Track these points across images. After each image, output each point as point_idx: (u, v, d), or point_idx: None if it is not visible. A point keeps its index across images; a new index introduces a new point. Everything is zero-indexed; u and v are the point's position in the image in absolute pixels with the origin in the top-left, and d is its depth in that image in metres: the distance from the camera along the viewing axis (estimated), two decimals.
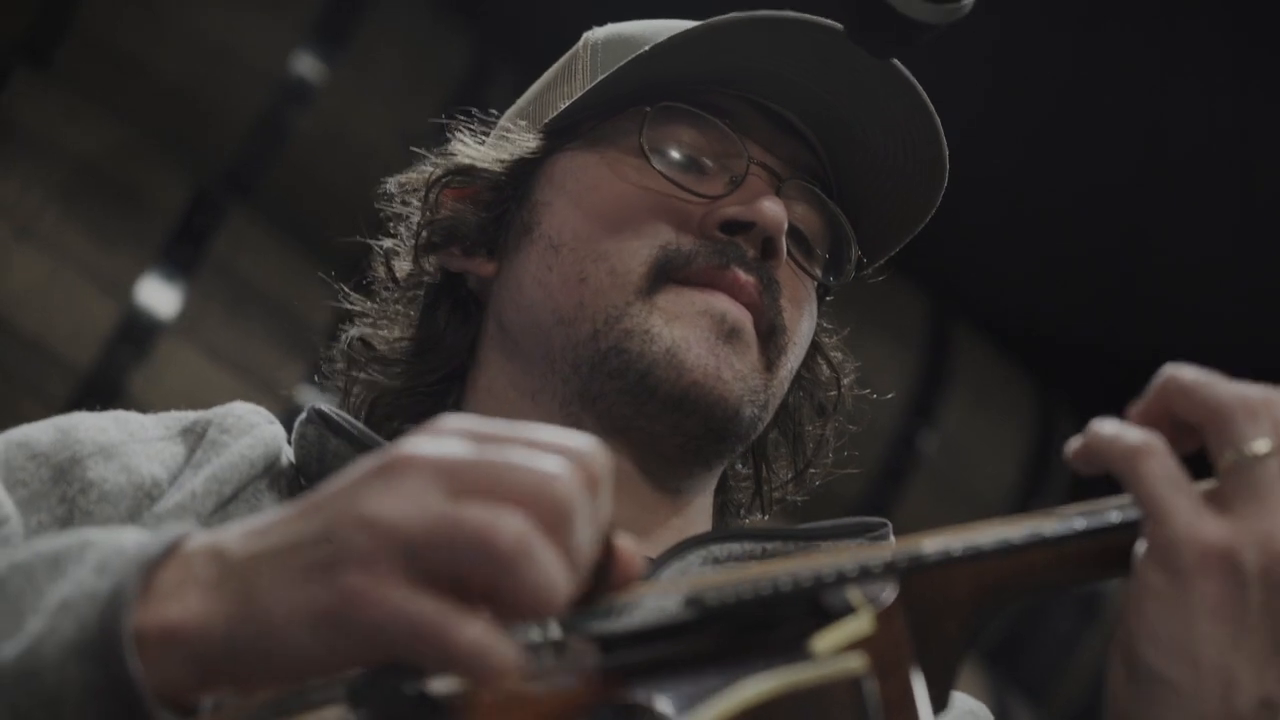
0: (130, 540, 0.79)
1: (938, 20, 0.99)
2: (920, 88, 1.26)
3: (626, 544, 0.80)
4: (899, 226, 1.37)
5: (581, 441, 0.76)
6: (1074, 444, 0.90)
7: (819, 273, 1.33)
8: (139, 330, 3.47)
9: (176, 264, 3.54)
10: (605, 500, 0.76)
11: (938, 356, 4.24)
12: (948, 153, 1.30)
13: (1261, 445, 0.84)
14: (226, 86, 3.67)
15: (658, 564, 1.17)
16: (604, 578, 0.78)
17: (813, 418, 1.42)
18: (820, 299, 1.37)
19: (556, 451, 0.75)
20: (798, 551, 1.23)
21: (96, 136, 3.57)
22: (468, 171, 1.35)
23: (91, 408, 1.25)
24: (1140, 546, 0.85)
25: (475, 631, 0.70)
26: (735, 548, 1.21)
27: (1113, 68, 3.84)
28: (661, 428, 1.23)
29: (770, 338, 1.26)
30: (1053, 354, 4.50)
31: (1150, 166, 4.07)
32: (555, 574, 0.71)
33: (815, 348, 1.39)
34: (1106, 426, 0.88)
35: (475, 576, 0.71)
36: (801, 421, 1.41)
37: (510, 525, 0.71)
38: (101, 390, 3.34)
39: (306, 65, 3.68)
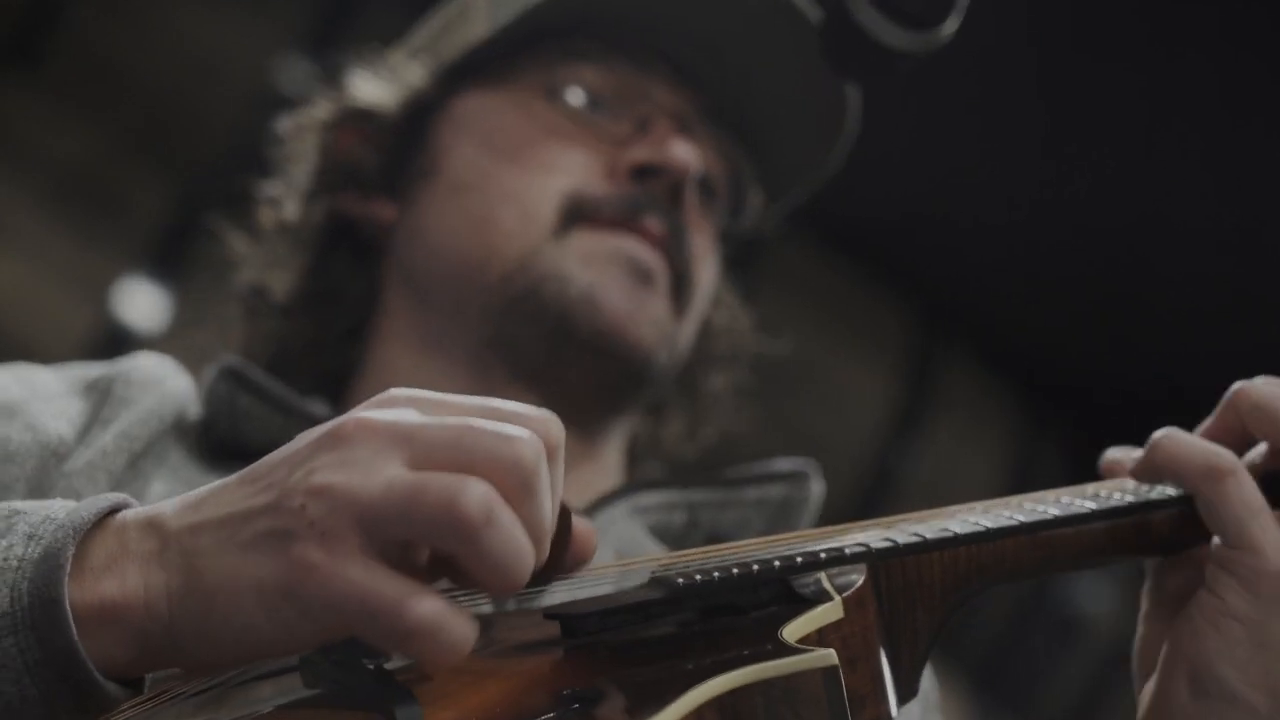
0: (60, 508, 0.74)
1: (916, 49, 0.97)
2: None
3: (582, 520, 0.76)
4: (801, 170, 1.34)
5: (536, 410, 0.72)
6: (1114, 454, 0.89)
7: (722, 218, 1.31)
8: (118, 336, 3.45)
9: (158, 270, 3.52)
10: (560, 470, 0.72)
11: (924, 376, 4.23)
12: (848, 98, 1.26)
13: None
14: (212, 94, 3.66)
15: (584, 513, 1.14)
16: (560, 553, 0.74)
17: (712, 371, 1.39)
18: (721, 247, 1.35)
19: (513, 419, 0.71)
20: (722, 500, 1.21)
21: (81, 141, 3.56)
22: (366, 113, 1.32)
23: None
24: (1217, 567, 0.85)
25: (430, 608, 0.65)
26: (660, 497, 1.19)
27: (1105, 89, 3.83)
28: (576, 372, 1.20)
29: (680, 284, 1.24)
30: (1040, 374, 4.50)
31: (1143, 187, 4.07)
32: (521, 544, 0.66)
33: (716, 300, 1.37)
34: (1179, 437, 0.87)
35: (437, 547, 0.67)
36: (699, 377, 1.38)
37: (475, 492, 0.65)
38: None
39: (296, 79, 3.67)
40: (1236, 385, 0.89)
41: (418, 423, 0.69)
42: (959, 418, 4.31)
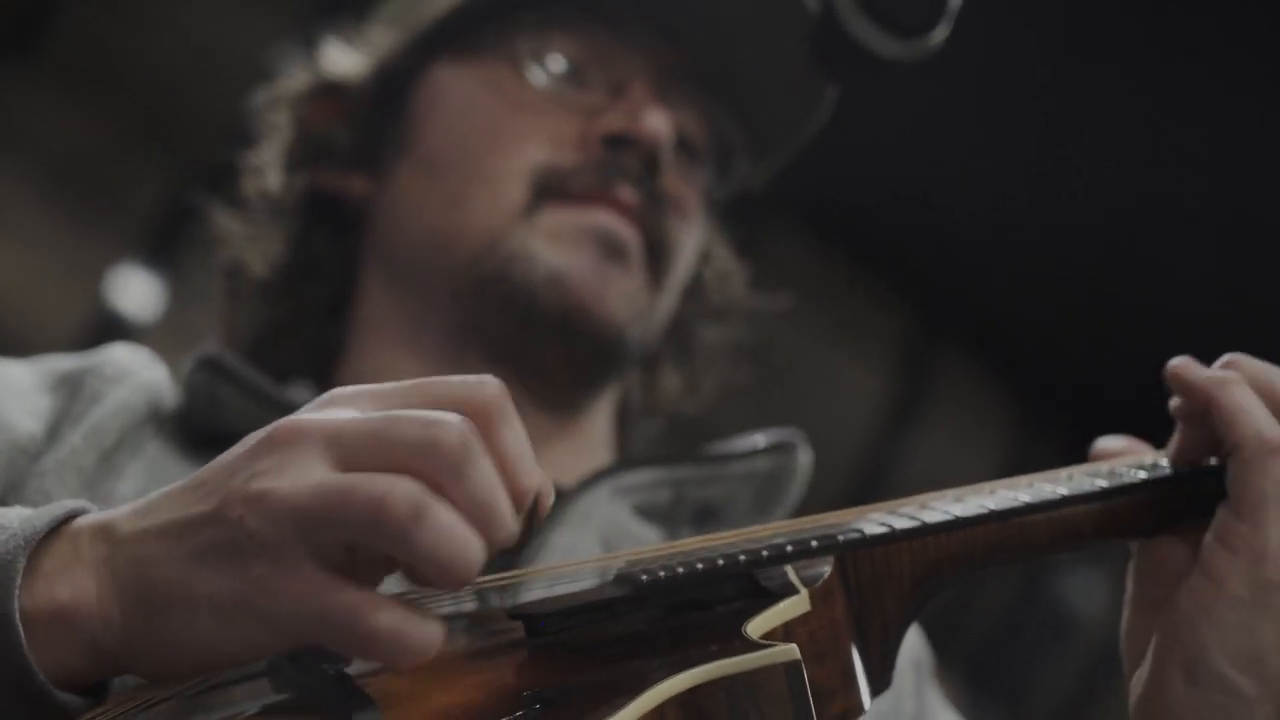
0: (15, 516, 0.72)
1: (904, 56, 0.97)
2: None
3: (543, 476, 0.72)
4: (784, 132, 1.31)
5: (465, 380, 0.69)
6: (1105, 443, 0.91)
7: (706, 178, 1.28)
8: (115, 326, 3.45)
9: (155, 259, 3.52)
10: (507, 432, 0.68)
11: (920, 373, 4.23)
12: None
13: None
14: (209, 84, 3.65)
15: (566, 498, 1.13)
16: (535, 513, 0.70)
17: (706, 325, 1.36)
18: (709, 207, 1.32)
19: (439, 395, 0.69)
20: (708, 476, 1.20)
21: (78, 131, 3.55)
22: (339, 85, 1.30)
23: None
24: (1217, 543, 0.84)
25: (389, 617, 0.64)
26: (643, 476, 1.18)
27: (1102, 86, 3.83)
28: (548, 353, 1.19)
29: (656, 254, 1.22)
30: (1036, 371, 4.50)
31: (1141, 184, 4.07)
32: (459, 535, 0.64)
33: (705, 256, 1.34)
34: (1248, 396, 0.85)
35: (373, 548, 0.65)
36: (692, 332, 1.35)
37: (399, 491, 0.63)
38: None
39: (290, 65, 3.67)
40: (1172, 363, 0.88)
41: (345, 420, 0.67)
42: (955, 414, 4.31)
